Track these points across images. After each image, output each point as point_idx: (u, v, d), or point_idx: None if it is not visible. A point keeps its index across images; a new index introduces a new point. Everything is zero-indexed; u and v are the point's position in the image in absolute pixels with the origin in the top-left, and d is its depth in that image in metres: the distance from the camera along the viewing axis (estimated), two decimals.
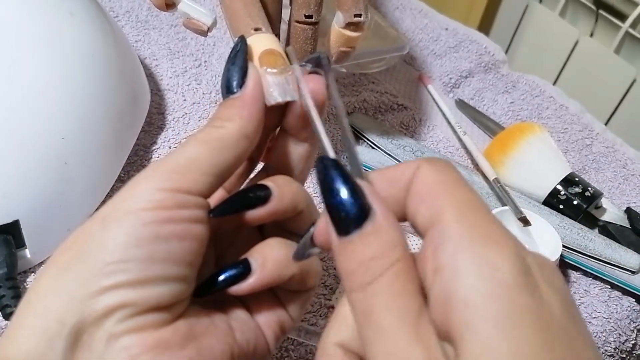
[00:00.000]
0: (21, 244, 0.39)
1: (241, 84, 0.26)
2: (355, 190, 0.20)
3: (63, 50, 0.41)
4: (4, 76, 0.38)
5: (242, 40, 0.28)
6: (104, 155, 0.44)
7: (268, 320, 0.28)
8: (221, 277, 0.26)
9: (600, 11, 0.94)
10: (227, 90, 0.26)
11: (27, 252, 0.40)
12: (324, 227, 0.22)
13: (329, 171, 0.21)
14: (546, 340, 0.17)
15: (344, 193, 0.20)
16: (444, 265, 0.19)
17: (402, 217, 0.22)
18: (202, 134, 0.25)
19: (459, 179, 0.21)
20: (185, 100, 0.55)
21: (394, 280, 0.19)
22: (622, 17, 0.91)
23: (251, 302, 0.28)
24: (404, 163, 0.22)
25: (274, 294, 0.28)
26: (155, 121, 0.52)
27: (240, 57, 0.27)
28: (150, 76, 0.56)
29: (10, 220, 0.38)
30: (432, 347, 0.18)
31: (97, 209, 0.44)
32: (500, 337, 0.17)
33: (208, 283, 0.26)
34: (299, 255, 0.25)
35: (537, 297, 0.18)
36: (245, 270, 0.26)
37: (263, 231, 0.30)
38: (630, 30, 0.90)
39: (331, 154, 0.22)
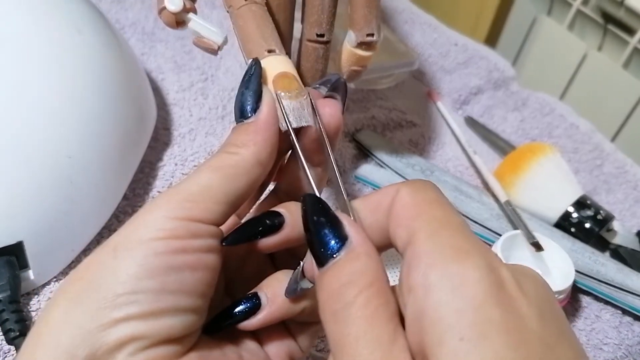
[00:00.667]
0: (24, 265, 0.38)
1: (255, 108, 0.26)
2: (331, 223, 0.21)
3: (70, 69, 0.41)
4: (10, 94, 0.38)
5: (256, 64, 0.27)
6: (110, 174, 0.43)
7: (278, 351, 0.27)
8: (232, 313, 0.26)
9: (609, 25, 0.94)
10: (241, 114, 0.26)
11: (31, 274, 0.39)
12: (312, 261, 0.22)
13: (308, 206, 0.21)
14: (518, 353, 0.17)
15: (320, 226, 0.21)
16: (416, 284, 0.19)
17: (389, 243, 0.22)
18: (215, 161, 0.25)
19: (436, 197, 0.21)
20: (191, 115, 0.54)
21: (365, 306, 0.19)
22: (631, 31, 0.90)
23: (261, 333, 0.27)
24: (385, 187, 0.23)
25: (284, 325, 0.28)
26: (161, 137, 0.51)
27: (254, 81, 0.26)
28: (156, 90, 0.55)
29: (14, 242, 0.37)
30: None
31: (102, 228, 0.43)
32: (468, 351, 0.17)
33: (218, 319, 0.26)
34: (290, 291, 0.25)
35: (510, 309, 0.18)
36: (255, 305, 0.26)
37: (274, 257, 0.30)
38: (639, 46, 0.89)
39: (316, 190, 0.23)
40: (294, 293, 0.25)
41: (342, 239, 0.21)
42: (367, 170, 0.54)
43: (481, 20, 1.08)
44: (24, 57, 0.39)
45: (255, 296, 0.26)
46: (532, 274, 0.20)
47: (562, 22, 1.00)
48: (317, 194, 0.23)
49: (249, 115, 0.26)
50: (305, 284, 0.24)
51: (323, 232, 0.21)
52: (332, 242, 0.21)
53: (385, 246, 0.22)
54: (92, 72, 0.42)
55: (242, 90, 0.26)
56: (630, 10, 0.88)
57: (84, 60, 0.42)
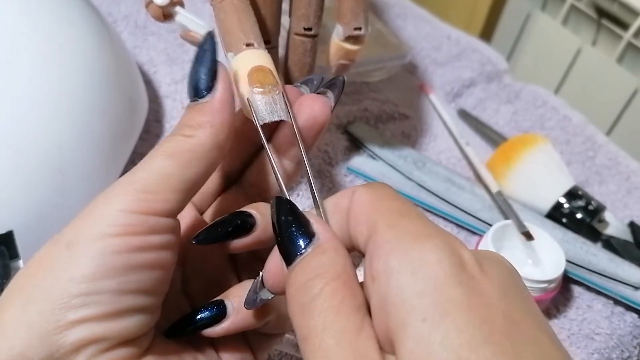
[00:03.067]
0: (15, 255, 0.38)
1: (210, 87, 0.24)
2: (299, 221, 0.21)
3: (60, 59, 0.40)
4: (0, 84, 0.38)
5: (210, 37, 0.25)
6: (100, 165, 0.43)
7: None
8: (196, 319, 0.25)
9: (603, 20, 0.94)
10: (195, 93, 0.24)
11: (21, 264, 0.39)
12: (272, 268, 0.22)
13: (277, 208, 0.22)
14: (480, 329, 0.17)
15: (288, 225, 0.21)
16: (378, 272, 0.19)
17: (350, 246, 0.22)
18: (170, 145, 0.23)
19: (392, 193, 0.21)
20: (183, 107, 0.54)
21: (331, 298, 0.19)
22: (625, 26, 0.90)
23: (219, 340, 0.27)
24: (344, 190, 0.23)
25: (243, 335, 0.27)
26: (152, 129, 0.51)
27: (208, 56, 0.24)
28: (149, 83, 0.55)
29: (4, 231, 0.37)
30: (369, 359, 0.18)
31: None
32: (430, 330, 0.17)
33: (182, 324, 0.25)
34: (249, 301, 0.24)
35: (472, 288, 0.18)
36: (220, 313, 0.25)
37: (235, 258, 0.29)
38: (633, 40, 0.89)
39: (282, 184, 0.24)
40: (253, 304, 0.24)
41: (310, 236, 0.21)
42: (359, 162, 0.54)
43: (475, 15, 1.08)
44: (14, 47, 0.39)
45: (221, 304, 0.25)
46: (497, 257, 0.20)
47: (556, 17, 1.00)
48: (284, 189, 0.23)
49: (204, 94, 0.24)
50: (265, 295, 0.24)
51: (291, 231, 0.21)
52: (300, 240, 0.21)
53: (347, 249, 0.22)
54: (82, 62, 0.42)
55: (195, 66, 0.24)
56: (623, 5, 0.88)
57: (74, 51, 0.42)
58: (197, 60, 0.24)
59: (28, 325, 0.20)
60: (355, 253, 0.22)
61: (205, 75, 0.24)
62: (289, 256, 0.21)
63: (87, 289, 0.20)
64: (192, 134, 0.23)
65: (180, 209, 0.23)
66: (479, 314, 0.17)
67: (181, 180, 0.23)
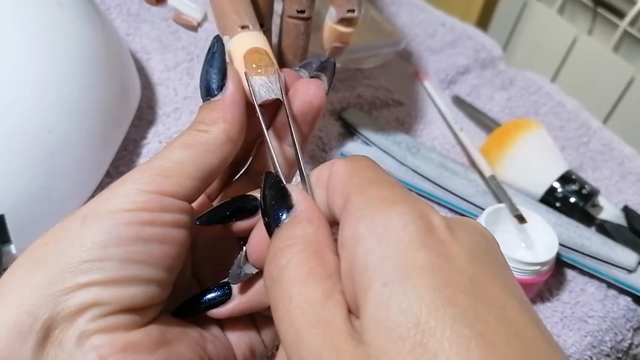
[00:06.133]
0: (6, 240, 0.38)
1: (221, 85, 0.25)
2: (281, 194, 0.22)
3: (50, 42, 0.40)
4: None
5: (217, 41, 0.27)
6: (92, 149, 0.43)
7: (239, 341, 0.28)
8: (202, 301, 0.26)
9: (599, 9, 0.94)
10: (207, 93, 0.26)
11: (13, 248, 0.39)
12: (255, 241, 0.23)
13: (264, 182, 0.22)
14: (441, 292, 0.17)
15: (270, 198, 0.22)
16: (347, 238, 0.19)
17: (332, 219, 0.22)
18: (186, 138, 0.25)
19: (369, 164, 0.22)
20: (176, 94, 0.54)
21: (298, 268, 0.19)
22: (621, 15, 0.90)
23: (226, 319, 0.27)
24: (324, 163, 0.23)
25: (250, 316, 0.28)
26: (145, 116, 0.51)
27: (218, 58, 0.26)
28: (141, 70, 0.55)
29: None
30: (334, 327, 0.18)
31: (85, 203, 0.43)
32: (390, 294, 0.17)
33: (189, 305, 0.26)
34: (233, 276, 0.25)
35: (437, 252, 0.18)
36: (225, 294, 0.26)
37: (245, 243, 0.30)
38: (629, 29, 0.89)
39: (278, 165, 0.24)
40: (237, 278, 0.25)
41: (289, 208, 0.21)
42: (353, 148, 0.54)
43: (472, 4, 1.08)
44: (2, 29, 0.39)
45: (227, 285, 0.26)
46: (471, 223, 0.20)
47: (552, 6, 0.99)
48: (279, 170, 0.24)
49: (216, 93, 0.25)
50: (249, 269, 0.24)
51: (272, 203, 0.21)
52: (280, 212, 0.21)
53: (331, 222, 0.22)
54: (73, 45, 0.42)
55: (206, 68, 0.26)
56: None
57: (64, 34, 0.41)
58: (207, 63, 0.26)
59: (37, 285, 0.21)
60: None
61: (216, 75, 0.26)
62: (270, 228, 0.21)
63: (96, 255, 0.22)
64: (205, 129, 0.25)
65: (194, 195, 0.25)
66: (442, 277, 0.17)
67: (195, 168, 0.24)
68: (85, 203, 0.42)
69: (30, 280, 0.21)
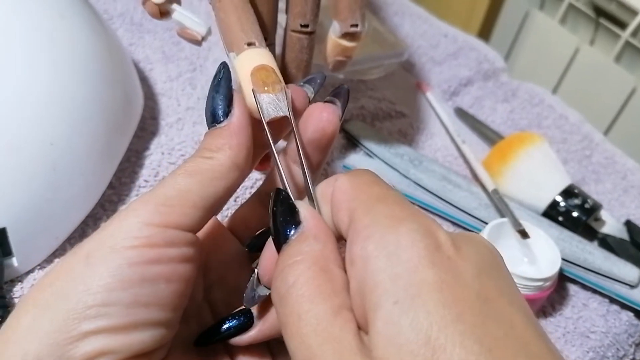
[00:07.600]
0: (8, 252, 0.38)
1: (227, 112, 0.25)
2: (289, 210, 0.21)
3: (53, 54, 0.40)
4: None
5: (224, 67, 0.27)
6: (94, 162, 0.43)
7: None
8: (223, 328, 0.25)
9: (601, 20, 0.94)
10: (213, 119, 0.25)
11: (14, 261, 0.39)
12: (266, 263, 0.23)
13: (272, 199, 0.22)
14: (450, 309, 0.17)
15: (278, 215, 0.21)
16: (356, 257, 0.19)
17: (338, 235, 0.22)
18: (191, 165, 0.24)
19: (373, 179, 0.22)
20: (179, 105, 0.54)
21: (306, 285, 0.19)
22: (623, 25, 0.90)
23: (237, 348, 0.27)
24: (328, 179, 0.23)
25: (266, 343, 0.27)
26: (148, 126, 0.51)
27: (224, 84, 0.26)
28: (144, 80, 0.55)
29: None
30: (344, 342, 0.18)
31: (87, 216, 0.43)
32: (401, 312, 0.17)
33: (209, 333, 0.26)
34: (248, 299, 0.25)
35: (445, 269, 0.18)
36: (247, 322, 0.25)
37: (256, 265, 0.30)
38: (631, 40, 0.89)
39: (286, 182, 0.24)
40: (252, 301, 0.24)
41: (297, 224, 0.21)
42: (355, 160, 0.54)
43: (473, 14, 1.08)
44: (4, 41, 0.38)
45: (248, 312, 0.25)
46: (477, 238, 0.20)
47: (554, 16, 1.00)
48: (287, 186, 0.23)
49: (222, 119, 0.25)
50: (262, 291, 0.24)
51: (280, 220, 0.21)
52: (287, 228, 0.21)
53: (337, 237, 0.22)
54: (75, 57, 0.42)
55: (212, 94, 0.26)
56: (621, 4, 0.88)
57: (67, 45, 0.41)
58: (214, 89, 0.26)
59: (43, 334, 0.21)
60: None
61: (221, 101, 0.25)
62: (278, 245, 0.21)
63: (102, 300, 0.21)
64: (211, 156, 0.24)
65: (199, 225, 0.24)
66: (450, 293, 0.17)
67: (201, 196, 0.23)
68: (88, 215, 0.42)
69: (35, 327, 0.21)
